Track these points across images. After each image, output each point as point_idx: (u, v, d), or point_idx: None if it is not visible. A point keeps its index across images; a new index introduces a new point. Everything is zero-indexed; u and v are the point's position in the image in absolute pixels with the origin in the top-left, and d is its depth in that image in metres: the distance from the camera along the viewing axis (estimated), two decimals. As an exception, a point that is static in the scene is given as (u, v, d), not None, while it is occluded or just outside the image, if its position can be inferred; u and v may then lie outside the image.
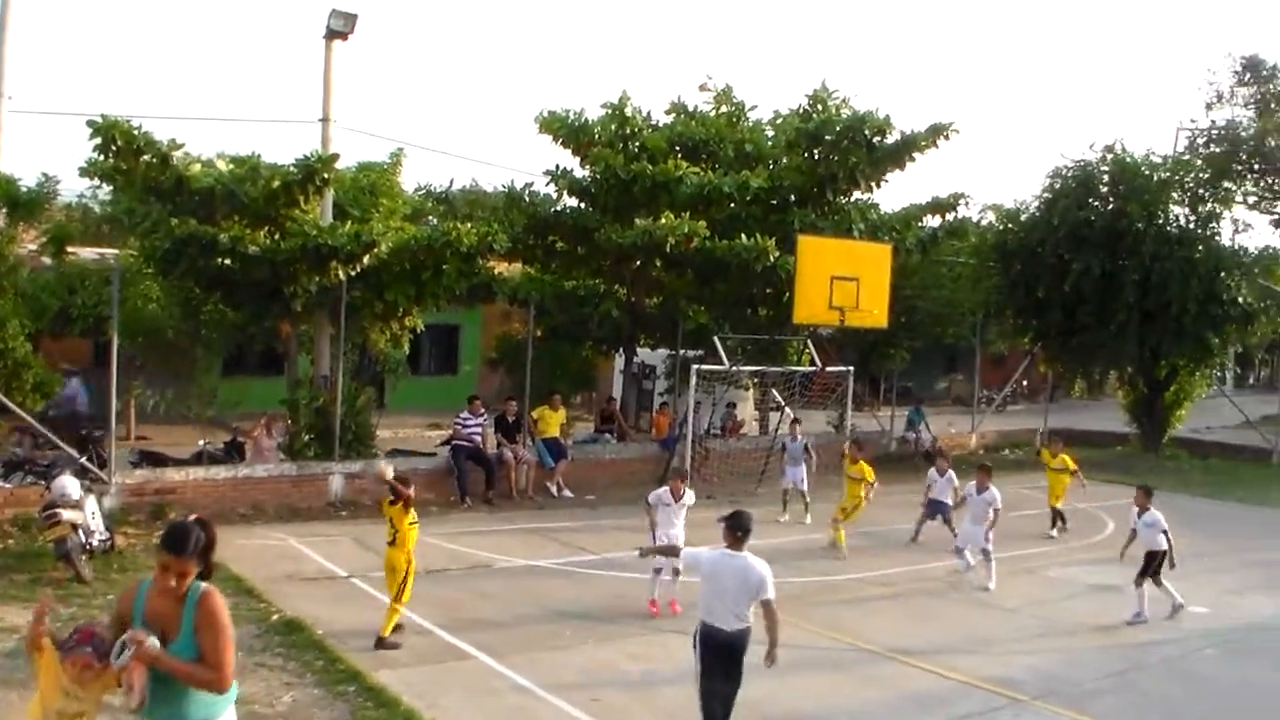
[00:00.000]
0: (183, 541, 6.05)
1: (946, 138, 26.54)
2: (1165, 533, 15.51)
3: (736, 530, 9.68)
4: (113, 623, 6.31)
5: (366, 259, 20.94)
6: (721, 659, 9.47)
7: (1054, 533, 21.38)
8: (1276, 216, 38.77)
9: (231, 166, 20.95)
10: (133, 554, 16.23)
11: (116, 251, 25.51)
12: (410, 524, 12.60)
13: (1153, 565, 15.48)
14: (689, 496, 15.24)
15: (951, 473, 20.04)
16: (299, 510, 20.14)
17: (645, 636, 13.27)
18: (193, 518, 6.32)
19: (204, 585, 6.15)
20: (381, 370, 28.97)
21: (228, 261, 20.19)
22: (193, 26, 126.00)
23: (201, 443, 22.59)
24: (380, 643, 12.44)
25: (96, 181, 21.07)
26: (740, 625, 9.43)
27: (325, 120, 22.40)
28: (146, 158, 19.06)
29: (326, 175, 20.82)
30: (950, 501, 19.52)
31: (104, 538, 15.86)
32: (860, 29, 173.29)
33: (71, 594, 13.95)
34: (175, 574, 6.02)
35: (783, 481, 22.25)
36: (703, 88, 28.49)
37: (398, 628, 12.72)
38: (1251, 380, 73.72)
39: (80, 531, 15.06)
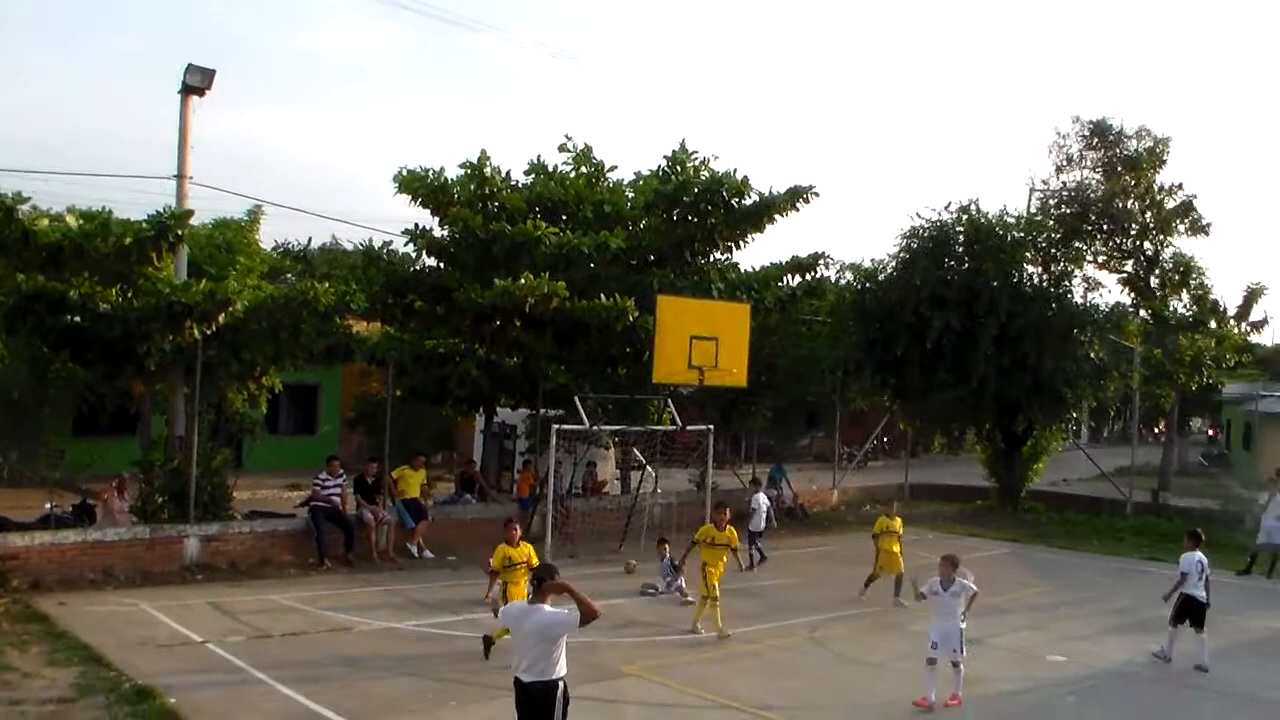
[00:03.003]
0: None
1: (806, 201, 27.03)
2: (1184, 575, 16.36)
3: (531, 583, 10.08)
4: None
5: (222, 317, 20.59)
6: (522, 710, 9.56)
7: (904, 601, 19.61)
8: (1125, 275, 39.95)
9: (81, 222, 20.40)
10: (-30, 623, 15.64)
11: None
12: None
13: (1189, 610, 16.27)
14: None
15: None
16: (152, 574, 19.52)
17: (508, 698, 13.11)
18: None
19: None
20: (238, 430, 28.45)
21: (77, 319, 19.75)
22: (42, 77, 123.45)
23: (48, 505, 21.86)
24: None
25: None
26: (538, 676, 9.43)
27: (181, 177, 22.03)
28: (-11, 211, 18.53)
29: (180, 232, 20.46)
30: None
31: (-61, 607, 15.26)
32: (720, 88, 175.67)
33: (-96, 667, 13.40)
34: None
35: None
36: (562, 148, 28.58)
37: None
38: (1105, 434, 75.79)
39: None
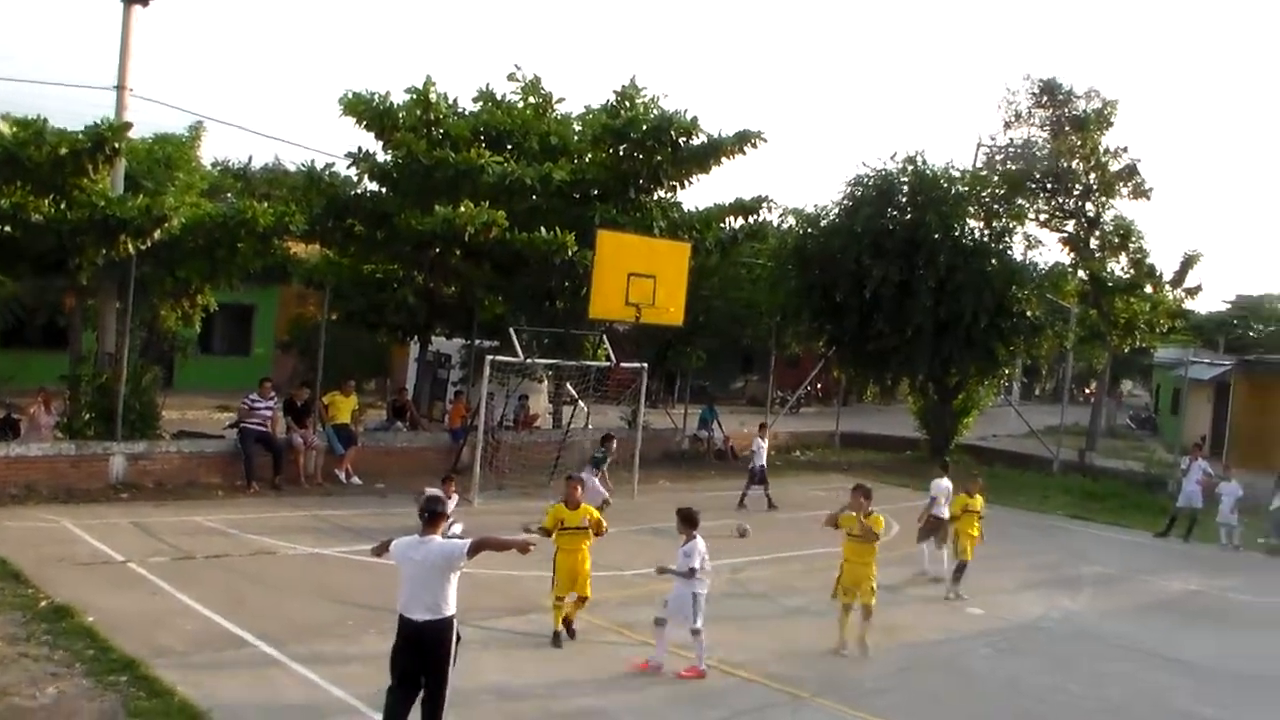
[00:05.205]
0: None
1: (754, 145, 26.94)
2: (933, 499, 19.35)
3: (421, 514, 9.49)
4: None
5: (158, 233, 20.26)
6: (411, 652, 9.23)
7: (961, 592, 17.76)
8: (1065, 235, 40.33)
9: (15, 129, 20.01)
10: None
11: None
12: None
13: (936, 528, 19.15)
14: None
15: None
16: (76, 492, 19.44)
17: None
18: None
19: None
20: (170, 349, 28.18)
21: (8, 229, 19.35)
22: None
23: (-30, 418, 21.64)
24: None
25: None
26: (429, 615, 9.12)
27: (121, 88, 21.63)
28: (-82, 115, 18.13)
29: (118, 145, 20.11)
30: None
31: None
32: (674, 31, 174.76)
33: None
34: None
35: None
36: (511, 77, 28.33)
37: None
38: (1037, 391, 76.50)
39: None
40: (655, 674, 12.52)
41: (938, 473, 20.23)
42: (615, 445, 23.12)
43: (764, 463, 24.95)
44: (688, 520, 13.24)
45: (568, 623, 13.48)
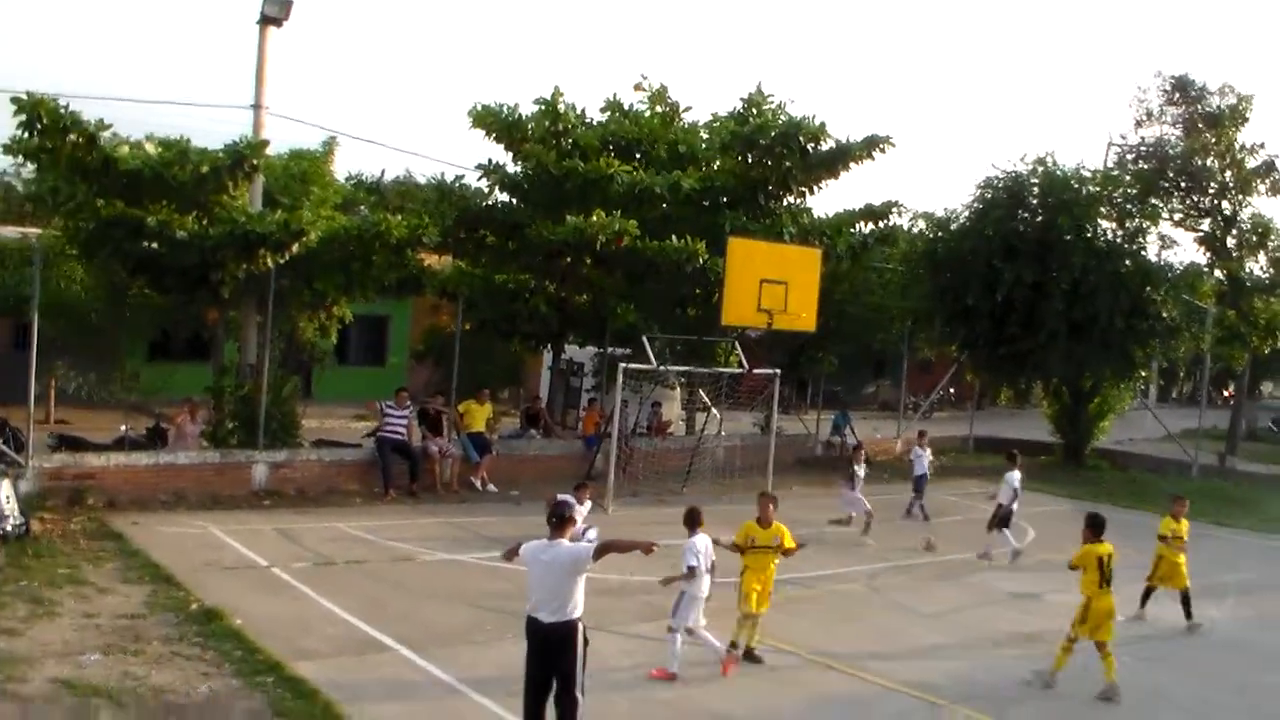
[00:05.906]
0: None
1: (882, 150, 26.66)
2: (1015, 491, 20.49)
3: (549, 519, 9.64)
4: None
5: (295, 247, 20.69)
6: (539, 651, 9.40)
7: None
8: (1201, 234, 39.35)
9: (160, 149, 20.58)
10: (48, 539, 15.99)
11: (39, 231, 25.08)
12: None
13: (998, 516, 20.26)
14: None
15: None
16: (221, 498, 19.95)
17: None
18: None
19: None
20: (308, 359, 28.72)
21: (154, 245, 19.92)
22: (126, 5, 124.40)
23: (123, 427, 22.29)
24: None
25: (20, 159, 20.64)
26: (556, 617, 9.29)
27: (257, 106, 22.18)
28: (73, 137, 18.56)
29: (256, 162, 20.61)
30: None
31: (18, 522, 15.68)
32: (800, 35, 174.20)
33: (-17, 578, 13.75)
34: None
35: None
36: (637, 87, 28.39)
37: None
38: (1174, 394, 74.72)
39: (-9, 515, 14.95)
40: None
41: (1007, 464, 21.14)
42: (865, 454, 23.44)
43: (925, 471, 24.80)
44: (687, 520, 12.89)
45: (749, 652, 13.16)
